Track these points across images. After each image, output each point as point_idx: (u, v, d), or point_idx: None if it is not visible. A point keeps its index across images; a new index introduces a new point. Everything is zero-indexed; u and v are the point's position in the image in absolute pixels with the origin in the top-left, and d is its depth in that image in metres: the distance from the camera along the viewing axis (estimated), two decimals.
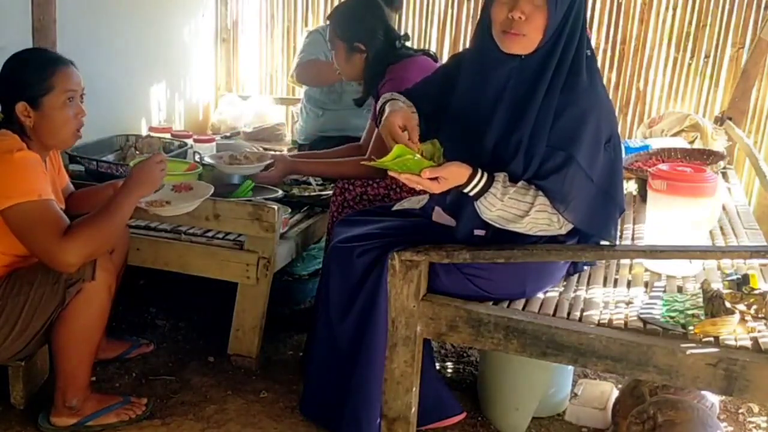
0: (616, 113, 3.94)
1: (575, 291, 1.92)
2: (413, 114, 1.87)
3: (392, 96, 1.94)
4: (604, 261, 2.07)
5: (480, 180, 1.69)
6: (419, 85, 2.03)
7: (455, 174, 1.68)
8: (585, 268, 2.05)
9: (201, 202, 2.26)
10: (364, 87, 2.64)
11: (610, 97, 3.24)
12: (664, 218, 2.02)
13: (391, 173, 1.67)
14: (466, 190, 1.70)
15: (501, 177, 1.70)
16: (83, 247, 1.84)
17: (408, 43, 2.68)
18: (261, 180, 2.65)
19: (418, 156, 1.66)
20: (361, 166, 2.53)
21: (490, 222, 1.75)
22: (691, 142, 3.28)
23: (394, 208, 2.19)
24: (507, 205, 1.69)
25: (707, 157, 2.86)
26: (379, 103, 1.96)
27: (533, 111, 1.71)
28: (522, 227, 1.74)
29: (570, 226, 1.77)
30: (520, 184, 1.71)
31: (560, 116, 1.70)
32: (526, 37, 1.71)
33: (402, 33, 2.67)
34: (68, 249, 1.82)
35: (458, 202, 1.87)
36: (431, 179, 1.65)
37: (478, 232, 1.84)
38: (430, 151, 1.72)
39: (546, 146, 1.70)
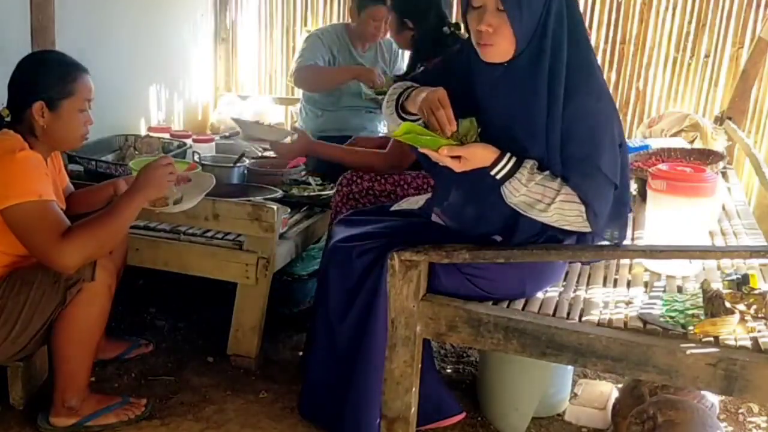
0: None
1: (575, 291, 1.92)
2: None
3: (407, 84, 1.90)
4: (604, 261, 2.06)
5: (507, 163, 1.66)
6: (429, 72, 2.00)
7: (479, 155, 1.66)
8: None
9: (204, 195, 2.19)
10: (410, 61, 2.67)
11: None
12: (664, 218, 2.02)
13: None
14: (492, 173, 1.68)
15: (529, 164, 1.67)
16: (82, 249, 1.83)
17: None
18: (280, 151, 2.65)
19: (434, 135, 1.66)
20: (378, 159, 2.53)
21: (514, 207, 1.72)
22: (691, 142, 3.27)
23: (393, 208, 2.19)
24: (531, 191, 1.66)
25: (707, 157, 2.85)
26: (392, 92, 1.91)
27: (527, 117, 1.68)
28: (548, 217, 1.69)
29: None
30: (546, 172, 1.68)
31: (574, 120, 1.66)
32: (497, 47, 1.69)
33: (454, 21, 2.63)
34: (67, 251, 1.81)
35: (459, 205, 1.87)
36: (453, 157, 1.63)
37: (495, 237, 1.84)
38: (466, 127, 1.69)
39: (564, 154, 1.67)
